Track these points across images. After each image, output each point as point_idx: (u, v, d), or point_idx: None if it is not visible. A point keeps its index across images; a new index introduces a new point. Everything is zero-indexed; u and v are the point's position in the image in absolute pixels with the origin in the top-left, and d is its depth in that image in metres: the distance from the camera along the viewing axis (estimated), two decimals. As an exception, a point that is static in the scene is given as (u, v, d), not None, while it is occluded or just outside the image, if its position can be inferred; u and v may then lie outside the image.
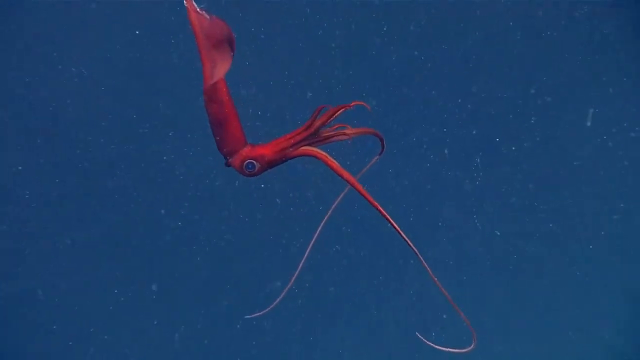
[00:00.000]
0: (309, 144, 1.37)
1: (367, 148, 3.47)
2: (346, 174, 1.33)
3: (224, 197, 4.17)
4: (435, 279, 1.35)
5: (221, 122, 1.33)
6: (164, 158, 3.97)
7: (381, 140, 1.47)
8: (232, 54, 1.22)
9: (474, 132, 4.26)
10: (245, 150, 1.37)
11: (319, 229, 1.64)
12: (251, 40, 3.84)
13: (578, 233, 4.39)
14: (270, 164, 1.40)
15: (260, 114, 3.95)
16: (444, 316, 4.21)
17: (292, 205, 4.23)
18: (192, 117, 3.68)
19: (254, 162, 1.37)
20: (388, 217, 1.30)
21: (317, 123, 1.36)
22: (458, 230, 4.43)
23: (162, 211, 4.09)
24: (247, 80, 3.88)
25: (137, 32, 3.66)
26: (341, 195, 1.70)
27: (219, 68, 1.21)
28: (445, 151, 4.32)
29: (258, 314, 1.70)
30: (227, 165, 1.41)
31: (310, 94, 3.98)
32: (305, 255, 1.62)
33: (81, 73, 3.67)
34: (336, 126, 1.38)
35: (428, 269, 1.33)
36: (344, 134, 1.37)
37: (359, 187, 1.33)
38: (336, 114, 1.37)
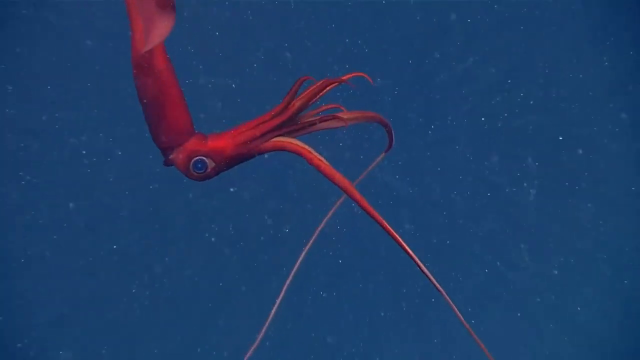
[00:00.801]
0: (285, 134, 1.36)
1: (369, 141, 3.45)
2: (339, 177, 1.31)
3: (172, 211, 4.16)
4: (468, 326, 1.33)
5: (157, 102, 1.32)
6: (84, 152, 3.94)
7: (389, 130, 1.46)
8: (173, 10, 1.23)
9: (526, 125, 4.24)
10: (193, 143, 1.36)
11: (303, 254, 1.62)
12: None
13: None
14: (230, 162, 1.38)
15: (226, 100, 3.95)
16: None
17: (269, 222, 4.22)
18: (121, 101, 3.66)
19: (205, 158, 1.36)
20: (397, 237, 1.27)
21: (297, 104, 1.34)
22: (498, 261, 4.41)
23: (82, 229, 4.04)
24: (207, 56, 3.90)
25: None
26: (334, 208, 1.69)
27: (156, 30, 1.23)
28: (483, 150, 4.30)
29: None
30: (167, 164, 1.39)
31: (298, 72, 3.97)
32: (282, 293, 1.59)
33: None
34: (324, 108, 1.37)
35: (457, 311, 1.32)
36: (337, 119, 1.35)
37: (357, 195, 1.31)
38: (324, 92, 1.35)
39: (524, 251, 4.37)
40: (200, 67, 3.89)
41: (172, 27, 1.24)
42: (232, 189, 4.14)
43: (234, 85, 3.98)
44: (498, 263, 4.42)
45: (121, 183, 4.06)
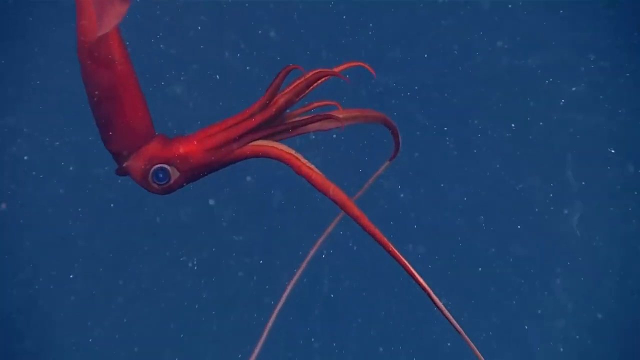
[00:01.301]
0: (267, 137, 1.35)
1: (371, 147, 3.46)
2: (333, 190, 1.30)
3: (134, 231, 4.17)
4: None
5: (109, 98, 1.31)
6: (25, 158, 3.94)
7: (395, 133, 1.46)
8: None
9: (566, 133, 4.23)
10: (153, 147, 1.36)
11: (291, 284, 1.61)
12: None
13: None
14: (198, 172, 1.38)
15: (199, 96, 3.98)
16: None
17: (250, 246, 4.22)
18: (69, 98, 3.66)
19: (167, 167, 1.36)
20: (405, 262, 1.25)
21: (281, 100, 1.34)
22: (528, 294, 4.41)
23: (27, 253, 4.04)
24: (176, 42, 3.93)
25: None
26: (329, 228, 1.69)
27: (111, 11, 1.22)
28: (512, 162, 4.31)
29: None
30: (121, 172, 1.39)
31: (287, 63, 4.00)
32: (267, 328, 1.57)
33: None
34: (315, 105, 1.37)
35: (478, 354, 1.29)
36: (331, 118, 1.35)
37: (356, 211, 1.29)
38: (314, 85, 1.35)
39: (559, 286, 4.35)
40: (172, 52, 3.92)
41: (130, 6, 1.23)
42: (211, 201, 4.14)
43: (218, 77, 4.00)
44: (528, 297, 4.41)
45: (72, 197, 4.06)
